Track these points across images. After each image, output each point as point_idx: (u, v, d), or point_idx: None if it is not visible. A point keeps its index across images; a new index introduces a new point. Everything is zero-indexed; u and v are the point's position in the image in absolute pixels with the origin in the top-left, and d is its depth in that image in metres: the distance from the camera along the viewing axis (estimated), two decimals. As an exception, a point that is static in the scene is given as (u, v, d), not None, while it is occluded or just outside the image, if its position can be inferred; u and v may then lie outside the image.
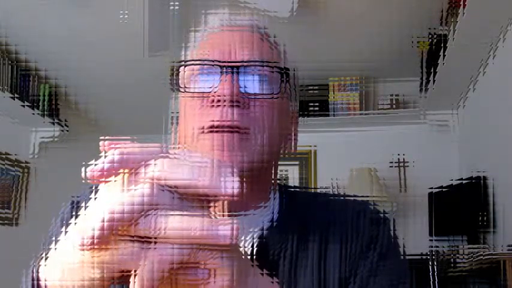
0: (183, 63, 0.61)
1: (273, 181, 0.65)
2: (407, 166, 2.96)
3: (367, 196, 0.70)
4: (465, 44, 2.04)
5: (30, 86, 2.90)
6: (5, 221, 2.91)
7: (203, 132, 0.59)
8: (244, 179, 0.58)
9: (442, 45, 2.18)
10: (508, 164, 2.00)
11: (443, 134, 2.91)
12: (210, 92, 0.59)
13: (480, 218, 2.27)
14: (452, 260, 2.27)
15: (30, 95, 2.88)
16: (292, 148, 0.66)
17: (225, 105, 0.58)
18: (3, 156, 2.92)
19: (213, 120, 0.58)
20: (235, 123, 0.58)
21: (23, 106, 2.81)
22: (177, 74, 0.62)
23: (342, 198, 0.69)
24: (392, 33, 2.43)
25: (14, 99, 2.72)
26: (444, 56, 2.19)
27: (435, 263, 2.24)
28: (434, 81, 2.44)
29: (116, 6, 2.22)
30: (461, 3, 1.88)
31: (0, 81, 2.67)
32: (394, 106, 3.02)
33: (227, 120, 0.58)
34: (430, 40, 2.41)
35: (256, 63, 0.60)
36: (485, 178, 2.28)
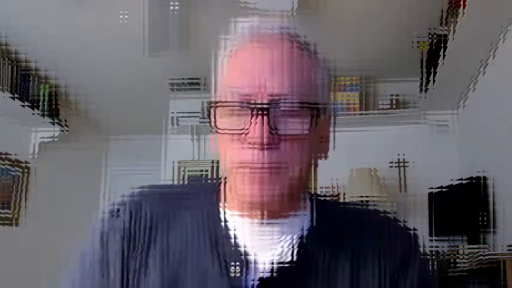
0: (213, 104, 0.62)
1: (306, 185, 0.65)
2: (407, 166, 2.96)
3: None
4: (465, 44, 2.04)
5: (30, 86, 2.90)
6: (5, 221, 2.91)
7: (236, 167, 0.61)
8: (282, 193, 0.59)
9: (442, 45, 2.18)
10: (508, 164, 2.00)
11: (443, 134, 2.91)
12: (241, 132, 0.60)
13: (480, 218, 2.27)
14: (452, 260, 2.27)
15: (30, 95, 2.88)
16: (325, 155, 0.67)
17: (255, 148, 0.59)
18: (3, 156, 2.93)
19: (243, 161, 0.60)
20: (265, 165, 0.59)
21: (23, 106, 2.81)
22: (209, 112, 0.62)
23: (371, 210, 0.69)
24: (393, 33, 2.43)
25: (14, 99, 2.72)
26: (444, 56, 2.19)
27: (435, 263, 2.23)
28: (434, 81, 2.44)
29: (116, 6, 2.22)
30: (461, 3, 1.87)
31: (0, 81, 2.67)
32: (394, 106, 3.02)
33: (258, 162, 0.59)
34: (430, 40, 2.41)
35: (286, 102, 0.60)
36: (485, 178, 2.28)
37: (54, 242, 2.00)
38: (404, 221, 0.67)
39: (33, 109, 2.91)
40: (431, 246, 2.39)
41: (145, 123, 3.11)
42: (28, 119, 2.97)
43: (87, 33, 2.47)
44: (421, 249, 0.66)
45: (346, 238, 0.65)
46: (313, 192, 0.68)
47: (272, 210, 0.61)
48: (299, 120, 0.60)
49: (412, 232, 0.67)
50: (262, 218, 0.62)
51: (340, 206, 0.72)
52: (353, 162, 2.68)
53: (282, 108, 0.60)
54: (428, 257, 0.67)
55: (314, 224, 0.65)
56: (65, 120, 3.14)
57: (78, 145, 3.29)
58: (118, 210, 0.65)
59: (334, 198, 0.73)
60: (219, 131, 0.61)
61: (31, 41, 2.56)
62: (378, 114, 3.01)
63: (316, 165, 0.64)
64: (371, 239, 0.65)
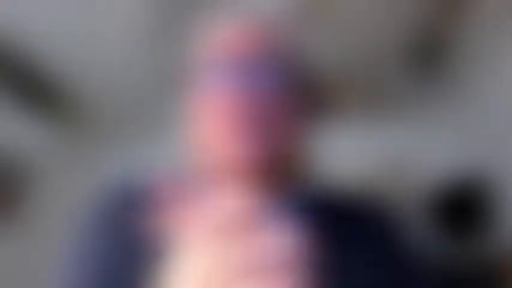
0: None
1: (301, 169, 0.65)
2: (407, 166, 2.96)
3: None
4: (465, 41, 2.04)
5: (31, 84, 2.90)
6: (5, 221, 2.92)
7: None
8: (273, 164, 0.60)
9: (442, 43, 2.18)
10: (508, 164, 2.00)
11: (443, 134, 2.91)
12: None
13: (480, 218, 2.27)
14: (450, 260, 2.27)
15: (31, 93, 2.89)
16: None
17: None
18: (3, 155, 2.93)
19: None
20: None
21: (23, 103, 2.82)
22: None
23: (363, 199, 0.69)
24: (392, 33, 2.43)
25: (14, 97, 2.73)
26: (444, 54, 2.20)
27: (434, 263, 2.24)
28: (434, 80, 2.44)
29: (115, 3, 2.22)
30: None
31: (1, 79, 2.67)
32: (394, 106, 3.02)
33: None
34: (430, 37, 2.41)
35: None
36: (485, 178, 2.28)
37: (54, 242, 2.00)
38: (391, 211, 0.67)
39: (33, 106, 2.91)
40: (431, 247, 2.39)
41: (145, 123, 3.11)
42: (28, 117, 2.97)
43: (87, 31, 2.47)
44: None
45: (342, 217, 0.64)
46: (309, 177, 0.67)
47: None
48: None
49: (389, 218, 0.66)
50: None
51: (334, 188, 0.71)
52: (352, 160, 2.69)
53: None
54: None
55: (311, 203, 0.64)
56: (65, 121, 3.14)
57: (79, 145, 3.29)
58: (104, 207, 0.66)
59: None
60: None
61: (30, 40, 2.56)
62: (378, 114, 3.01)
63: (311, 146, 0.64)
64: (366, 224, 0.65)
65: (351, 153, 2.71)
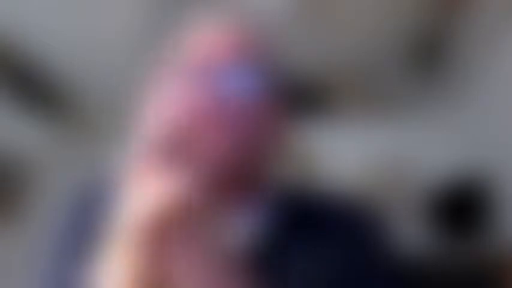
0: None
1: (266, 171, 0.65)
2: (407, 166, 2.96)
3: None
4: (465, 40, 2.04)
5: (29, 83, 2.90)
6: (5, 221, 2.92)
7: None
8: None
9: (442, 42, 2.19)
10: (508, 164, 2.00)
11: (443, 134, 2.91)
12: None
13: (480, 218, 2.27)
14: (451, 260, 2.28)
15: (29, 93, 2.89)
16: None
17: None
18: (3, 155, 2.93)
19: None
20: None
21: (22, 103, 2.82)
22: None
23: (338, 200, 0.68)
24: (392, 33, 2.43)
25: (13, 96, 2.73)
26: (444, 53, 2.20)
27: (434, 264, 2.24)
28: (434, 80, 2.44)
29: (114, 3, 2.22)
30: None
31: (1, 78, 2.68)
32: (394, 106, 3.02)
33: None
34: (430, 36, 2.41)
35: None
36: (485, 178, 2.28)
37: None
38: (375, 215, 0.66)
39: (33, 106, 2.91)
40: (431, 247, 2.39)
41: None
42: (28, 117, 2.97)
43: (87, 31, 2.47)
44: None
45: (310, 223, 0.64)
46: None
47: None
48: None
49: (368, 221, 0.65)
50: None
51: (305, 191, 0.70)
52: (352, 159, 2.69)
53: None
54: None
55: (275, 209, 0.64)
56: (65, 120, 3.14)
57: (78, 145, 3.29)
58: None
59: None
60: None
61: (30, 39, 2.56)
62: (379, 113, 3.01)
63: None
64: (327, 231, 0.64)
65: (351, 153, 2.71)
